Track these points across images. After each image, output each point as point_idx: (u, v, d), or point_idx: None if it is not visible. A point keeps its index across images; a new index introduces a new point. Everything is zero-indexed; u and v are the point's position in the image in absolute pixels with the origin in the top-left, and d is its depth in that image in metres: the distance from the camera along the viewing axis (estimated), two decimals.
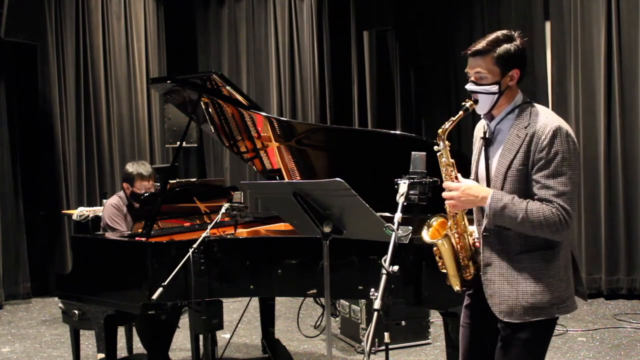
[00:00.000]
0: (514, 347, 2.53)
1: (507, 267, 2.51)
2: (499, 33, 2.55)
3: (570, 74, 6.49)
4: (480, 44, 2.53)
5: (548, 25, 6.76)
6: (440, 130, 2.55)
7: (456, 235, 2.59)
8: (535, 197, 2.46)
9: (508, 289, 2.50)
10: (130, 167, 4.82)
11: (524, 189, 2.49)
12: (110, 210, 4.80)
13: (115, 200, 4.87)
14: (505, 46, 2.50)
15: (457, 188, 2.51)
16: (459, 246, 2.59)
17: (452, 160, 2.56)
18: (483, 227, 2.56)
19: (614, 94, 6.26)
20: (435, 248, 2.61)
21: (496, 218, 2.48)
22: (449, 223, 2.57)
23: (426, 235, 2.58)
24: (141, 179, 4.74)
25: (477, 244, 2.63)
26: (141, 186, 4.74)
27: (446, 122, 2.55)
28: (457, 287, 2.64)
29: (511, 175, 2.49)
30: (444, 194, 2.54)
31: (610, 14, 6.22)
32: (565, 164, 2.43)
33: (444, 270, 2.63)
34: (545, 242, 2.49)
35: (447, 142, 2.56)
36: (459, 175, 2.57)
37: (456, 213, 2.57)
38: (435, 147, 2.57)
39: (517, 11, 7.00)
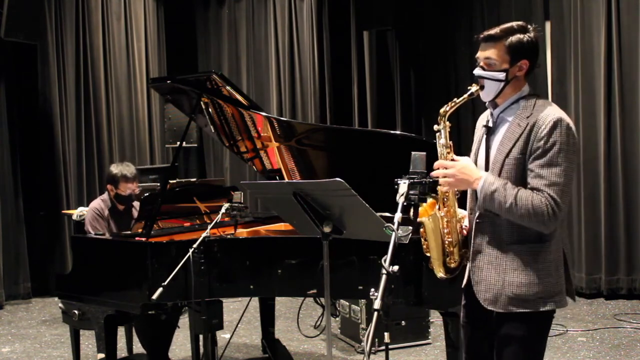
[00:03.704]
0: (511, 343, 2.53)
1: (497, 256, 2.52)
2: (514, 23, 2.56)
3: (570, 74, 6.49)
4: (494, 30, 2.53)
5: (548, 25, 6.76)
6: (441, 111, 2.55)
7: (445, 220, 2.58)
8: (528, 185, 2.46)
9: (495, 277, 2.51)
10: (115, 169, 4.76)
11: (521, 178, 2.49)
12: (91, 215, 4.76)
13: (97, 203, 4.81)
14: (518, 36, 2.51)
15: (454, 166, 2.52)
16: (446, 230, 2.59)
17: (450, 142, 2.57)
18: (477, 213, 2.56)
19: (614, 94, 6.26)
20: (421, 229, 2.60)
21: (486, 202, 2.48)
22: (438, 204, 2.57)
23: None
24: (125, 181, 4.70)
25: (464, 231, 2.63)
26: (125, 188, 4.70)
27: (448, 103, 2.55)
28: (440, 273, 2.64)
29: (508, 163, 2.50)
30: (437, 172, 2.52)
31: (610, 14, 6.22)
32: (562, 155, 2.43)
33: (428, 254, 2.62)
34: (537, 236, 2.48)
35: (447, 123, 2.56)
36: (455, 157, 2.57)
37: (446, 198, 2.56)
38: (435, 127, 2.56)
39: (517, 11, 6.99)
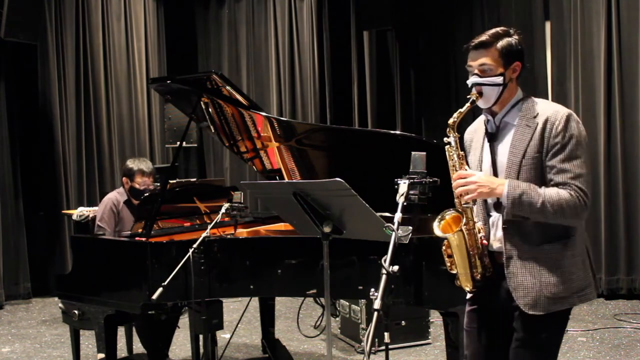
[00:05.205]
0: (532, 342, 2.52)
1: (528, 258, 2.51)
2: (497, 28, 2.60)
3: (570, 74, 6.49)
4: (484, 37, 2.56)
5: (548, 25, 6.76)
6: (450, 122, 2.55)
7: (466, 232, 2.55)
8: (551, 182, 2.46)
9: (531, 280, 2.50)
10: (131, 163, 4.82)
11: (540, 178, 2.49)
12: (105, 206, 4.77)
13: (113, 196, 4.83)
14: (507, 39, 2.56)
15: (474, 174, 2.50)
16: (469, 243, 2.57)
17: (462, 152, 2.57)
18: (502, 219, 2.54)
19: (614, 94, 6.26)
20: (444, 247, 2.59)
21: (514, 207, 2.46)
22: (464, 219, 2.53)
23: (437, 229, 2.54)
24: (141, 175, 4.73)
25: (484, 241, 2.61)
26: (141, 182, 4.73)
27: (454, 114, 2.56)
28: (468, 287, 2.60)
29: (526, 164, 2.50)
30: (458, 182, 2.50)
31: (610, 14, 6.22)
32: (580, 147, 2.46)
33: (454, 271, 2.59)
34: (564, 231, 2.50)
35: (456, 134, 2.56)
36: (467, 168, 2.56)
37: (465, 209, 2.54)
38: (445, 139, 2.56)
39: (517, 11, 7.00)
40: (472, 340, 2.71)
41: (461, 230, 2.53)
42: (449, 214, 2.57)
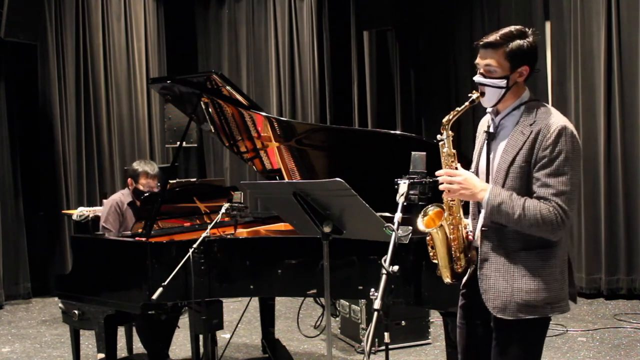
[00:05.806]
0: (509, 347, 2.52)
1: (504, 263, 2.51)
2: (512, 28, 2.53)
3: (570, 74, 6.49)
4: (493, 37, 2.50)
5: (548, 25, 6.76)
6: (444, 120, 2.53)
7: (451, 227, 2.57)
8: (534, 195, 2.45)
9: (503, 285, 2.50)
10: (137, 165, 4.92)
11: (525, 187, 2.48)
12: (110, 207, 4.83)
13: (117, 197, 4.92)
14: (518, 42, 2.49)
15: (460, 175, 2.50)
16: (452, 237, 2.59)
17: (454, 151, 2.55)
18: (482, 222, 2.55)
19: (614, 94, 6.26)
20: (428, 237, 2.61)
21: (493, 214, 2.47)
22: (445, 214, 2.56)
23: (421, 223, 2.56)
24: (146, 176, 4.82)
25: (470, 237, 2.62)
26: (145, 183, 4.80)
27: (451, 112, 2.54)
28: (447, 279, 2.63)
29: (513, 172, 2.48)
30: (442, 179, 2.51)
31: (610, 14, 6.22)
32: (568, 164, 2.42)
33: (435, 261, 2.63)
34: (544, 241, 2.48)
35: (450, 132, 2.54)
36: (459, 166, 2.56)
37: (452, 205, 2.56)
38: (438, 136, 2.55)
39: (517, 11, 7.00)
40: (461, 336, 2.73)
41: (442, 225, 2.55)
42: (432, 209, 2.59)
